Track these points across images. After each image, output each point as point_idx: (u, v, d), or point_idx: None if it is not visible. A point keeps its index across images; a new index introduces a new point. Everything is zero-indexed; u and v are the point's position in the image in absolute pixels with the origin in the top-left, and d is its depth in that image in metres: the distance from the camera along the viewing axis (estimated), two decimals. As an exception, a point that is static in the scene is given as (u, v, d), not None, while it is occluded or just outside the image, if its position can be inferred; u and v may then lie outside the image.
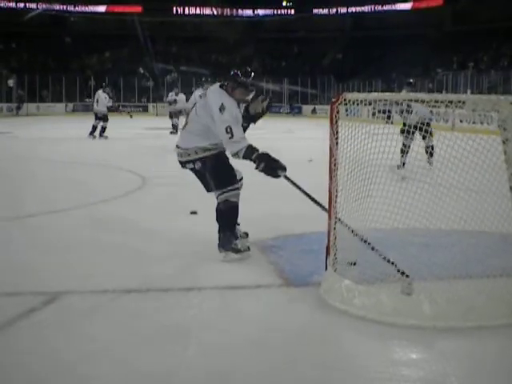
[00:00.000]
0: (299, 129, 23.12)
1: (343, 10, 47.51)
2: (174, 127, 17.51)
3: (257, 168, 4.29)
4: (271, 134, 18.20)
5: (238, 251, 4.44)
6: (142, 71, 44.07)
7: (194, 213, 5.80)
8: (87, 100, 39.80)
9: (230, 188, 4.48)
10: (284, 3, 50.24)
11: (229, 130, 4.28)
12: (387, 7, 45.42)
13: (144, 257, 4.49)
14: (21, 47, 43.11)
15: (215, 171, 4.48)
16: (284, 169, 4.34)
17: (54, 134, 18.30)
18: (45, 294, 3.66)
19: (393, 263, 3.53)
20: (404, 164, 7.88)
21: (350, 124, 3.63)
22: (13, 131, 19.84)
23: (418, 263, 3.69)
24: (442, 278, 3.52)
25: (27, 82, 37.63)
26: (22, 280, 3.95)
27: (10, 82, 38.37)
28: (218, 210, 4.51)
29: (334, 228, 3.71)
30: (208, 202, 4.72)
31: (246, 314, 3.42)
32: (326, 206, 3.81)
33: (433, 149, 7.58)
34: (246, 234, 4.74)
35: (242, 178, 4.69)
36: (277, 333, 3.14)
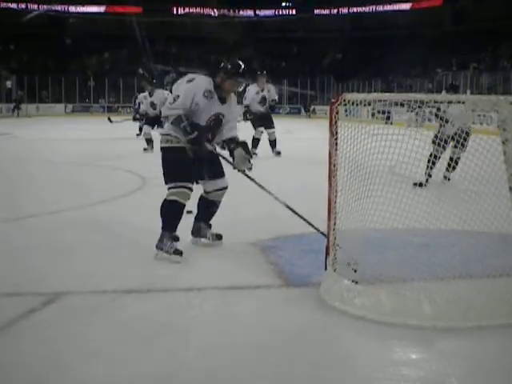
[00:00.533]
0: (298, 129, 23.12)
1: (343, 10, 47.50)
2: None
3: (185, 137, 4.37)
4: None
5: (167, 252, 4.39)
6: (141, 72, 44.06)
7: (189, 212, 5.81)
8: (87, 101, 39.88)
9: (174, 185, 4.43)
10: (283, 3, 50.24)
11: (176, 98, 4.39)
12: (387, 7, 45.41)
13: (144, 257, 4.48)
14: (20, 48, 43.12)
15: (166, 165, 4.51)
16: (208, 140, 4.48)
17: (53, 135, 18.31)
18: (45, 294, 3.66)
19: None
20: (430, 176, 6.10)
21: (349, 124, 3.63)
22: (12, 132, 19.84)
23: (418, 263, 3.69)
24: (441, 278, 3.53)
25: (27, 83, 37.64)
26: (22, 280, 3.96)
27: (9, 83, 38.37)
28: (160, 206, 4.53)
29: (334, 228, 3.71)
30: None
31: (245, 314, 3.42)
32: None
33: (457, 163, 6.48)
34: (218, 236, 4.78)
35: (223, 188, 4.68)
36: (276, 333, 3.14)
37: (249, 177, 4.56)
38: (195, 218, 4.86)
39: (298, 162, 11.22)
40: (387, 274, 3.59)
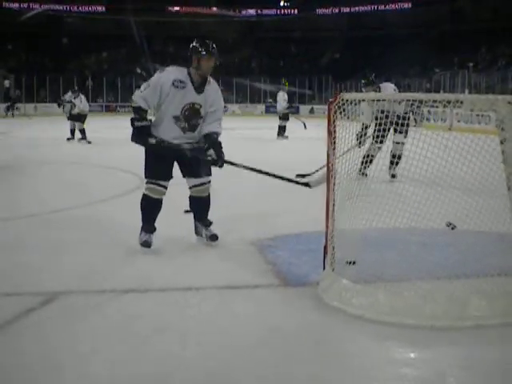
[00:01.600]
0: (298, 129, 23.10)
1: (341, 9, 47.49)
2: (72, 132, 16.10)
3: (132, 126, 4.46)
4: (270, 134, 18.20)
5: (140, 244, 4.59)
6: (139, 71, 44.03)
7: (188, 211, 5.81)
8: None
9: (147, 180, 4.59)
10: (282, 3, 50.21)
11: (146, 85, 4.48)
12: (385, 7, 45.43)
13: (142, 257, 4.49)
14: (18, 47, 43.06)
15: (146, 159, 4.61)
16: (149, 135, 4.44)
17: (51, 135, 18.26)
18: (43, 293, 3.66)
19: None
20: (365, 175, 5.07)
21: (347, 124, 3.63)
22: (11, 131, 19.82)
23: (416, 262, 3.70)
24: (439, 278, 3.53)
25: (24, 83, 37.59)
26: (20, 280, 3.95)
27: (7, 83, 38.30)
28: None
29: (332, 227, 3.71)
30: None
31: (244, 313, 3.42)
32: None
33: (400, 158, 6.49)
34: (212, 237, 4.75)
35: (201, 184, 4.67)
36: (275, 332, 3.14)
37: (230, 163, 4.51)
38: (194, 217, 4.92)
39: (297, 160, 11.22)
40: (385, 274, 3.60)
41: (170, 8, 46.21)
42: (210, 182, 4.73)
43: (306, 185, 4.43)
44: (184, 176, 4.70)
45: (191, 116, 4.52)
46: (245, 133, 19.84)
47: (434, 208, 3.78)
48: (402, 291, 3.36)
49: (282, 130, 17.54)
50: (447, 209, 3.72)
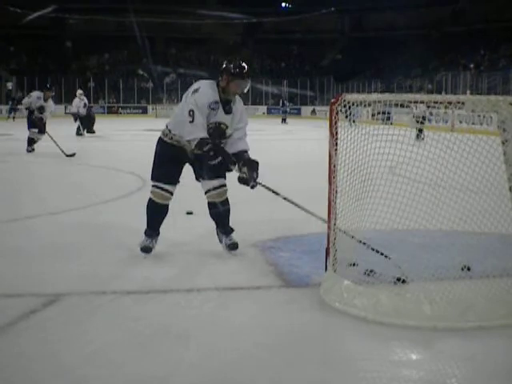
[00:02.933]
0: (299, 130, 23.15)
1: (343, 10, 47.52)
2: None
3: (209, 161, 4.27)
4: (271, 135, 18.21)
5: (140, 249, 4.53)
6: (141, 73, 44.11)
7: (189, 213, 5.81)
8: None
9: (153, 183, 4.50)
10: (283, 4, 50.26)
11: (191, 113, 4.24)
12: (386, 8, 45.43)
13: (144, 258, 4.49)
14: (20, 49, 43.15)
15: (155, 159, 4.52)
16: (234, 163, 4.33)
17: (53, 136, 18.26)
18: (45, 295, 3.66)
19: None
20: None
21: (349, 125, 3.63)
22: (13, 133, 19.83)
23: (418, 264, 3.69)
24: (441, 279, 3.53)
25: (27, 84, 37.65)
26: (22, 281, 3.96)
27: (9, 85, 38.32)
28: None
29: (334, 229, 3.71)
30: (202, 202, 4.70)
31: (246, 315, 3.42)
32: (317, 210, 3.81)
33: None
34: (231, 246, 4.57)
35: (215, 188, 4.47)
36: (277, 334, 3.14)
37: (261, 185, 4.43)
38: (215, 223, 4.71)
39: (298, 162, 11.23)
40: (387, 275, 3.60)
41: (171, 9, 46.24)
42: (225, 185, 4.54)
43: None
44: (197, 179, 4.56)
45: (216, 135, 4.38)
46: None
47: (435, 209, 3.78)
48: (404, 292, 3.36)
49: None
50: (448, 210, 3.72)
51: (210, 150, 4.23)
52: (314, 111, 38.92)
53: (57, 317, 3.37)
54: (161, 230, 4.62)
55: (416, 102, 4.15)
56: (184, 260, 4.44)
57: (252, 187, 4.33)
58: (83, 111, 18.65)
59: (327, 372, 2.73)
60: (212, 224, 4.67)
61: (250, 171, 4.30)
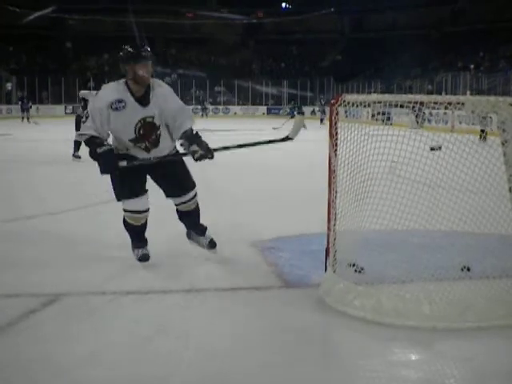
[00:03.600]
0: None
1: (342, 11, 47.54)
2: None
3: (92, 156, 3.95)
4: (272, 135, 18.17)
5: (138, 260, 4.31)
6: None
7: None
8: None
9: (123, 207, 4.21)
10: (283, 5, 50.27)
11: (87, 115, 3.98)
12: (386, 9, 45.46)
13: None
14: (20, 49, 43.14)
15: (111, 180, 4.18)
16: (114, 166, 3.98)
17: (53, 136, 18.28)
18: (44, 295, 3.66)
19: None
20: None
21: (349, 125, 3.63)
22: (12, 133, 19.84)
23: (417, 264, 3.69)
24: (441, 279, 3.53)
25: (26, 84, 37.65)
26: (21, 281, 3.96)
27: (9, 85, 38.28)
28: None
29: (334, 229, 3.71)
30: (202, 202, 4.70)
31: (245, 315, 3.42)
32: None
33: None
34: (211, 244, 4.42)
35: (185, 202, 4.30)
36: (276, 334, 3.14)
37: (218, 149, 4.16)
38: (184, 224, 4.56)
39: (298, 162, 11.24)
40: (387, 275, 3.60)
41: (171, 10, 46.27)
42: (196, 194, 4.36)
43: (288, 139, 4.26)
44: (167, 196, 4.35)
45: (148, 132, 4.07)
46: (247, 133, 19.83)
47: (435, 209, 3.78)
48: (404, 293, 3.36)
49: None
50: (448, 210, 3.72)
51: (94, 150, 3.92)
52: (313, 111, 38.92)
53: (56, 317, 3.37)
54: (162, 230, 4.60)
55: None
56: (183, 260, 4.44)
57: (211, 158, 4.01)
58: None
59: (327, 372, 2.73)
60: (212, 224, 4.67)
61: (200, 145, 3.98)
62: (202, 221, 4.49)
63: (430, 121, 21.66)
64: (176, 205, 4.36)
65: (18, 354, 2.86)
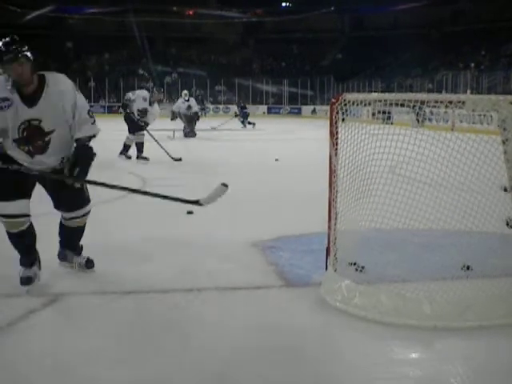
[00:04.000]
0: (299, 130, 23.15)
1: (343, 10, 47.54)
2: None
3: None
4: (272, 135, 18.21)
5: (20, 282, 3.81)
6: (141, 72, 44.10)
7: (190, 213, 5.82)
8: (87, 101, 39.71)
9: None
10: (283, 4, 50.26)
11: None
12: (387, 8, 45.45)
13: (144, 258, 4.49)
14: (20, 49, 43.08)
15: None
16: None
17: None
18: (45, 295, 3.66)
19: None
20: None
21: (349, 124, 3.63)
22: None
23: (418, 263, 3.69)
24: (441, 278, 3.52)
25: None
26: (22, 281, 3.95)
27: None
28: None
29: (334, 228, 3.71)
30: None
31: (246, 314, 3.42)
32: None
33: None
34: (89, 264, 4.09)
35: (71, 218, 3.99)
36: (277, 333, 3.14)
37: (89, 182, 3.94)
38: (59, 242, 4.20)
39: (298, 162, 11.24)
40: (387, 274, 3.59)
41: (171, 9, 46.29)
42: (89, 212, 4.02)
43: (197, 203, 3.93)
44: (56, 208, 4.02)
45: (32, 137, 3.59)
46: (247, 134, 19.84)
47: (435, 209, 3.78)
48: (405, 292, 3.36)
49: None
50: (449, 209, 3.71)
51: None
52: (314, 110, 38.93)
53: (57, 317, 3.37)
54: (163, 230, 4.60)
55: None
56: (184, 260, 4.44)
57: (74, 183, 3.68)
58: (185, 112, 17.83)
59: (327, 371, 2.73)
60: (212, 224, 4.68)
61: (69, 164, 3.66)
62: (203, 221, 4.49)
63: (430, 120, 21.67)
64: (65, 219, 4.01)
65: (20, 354, 2.86)
